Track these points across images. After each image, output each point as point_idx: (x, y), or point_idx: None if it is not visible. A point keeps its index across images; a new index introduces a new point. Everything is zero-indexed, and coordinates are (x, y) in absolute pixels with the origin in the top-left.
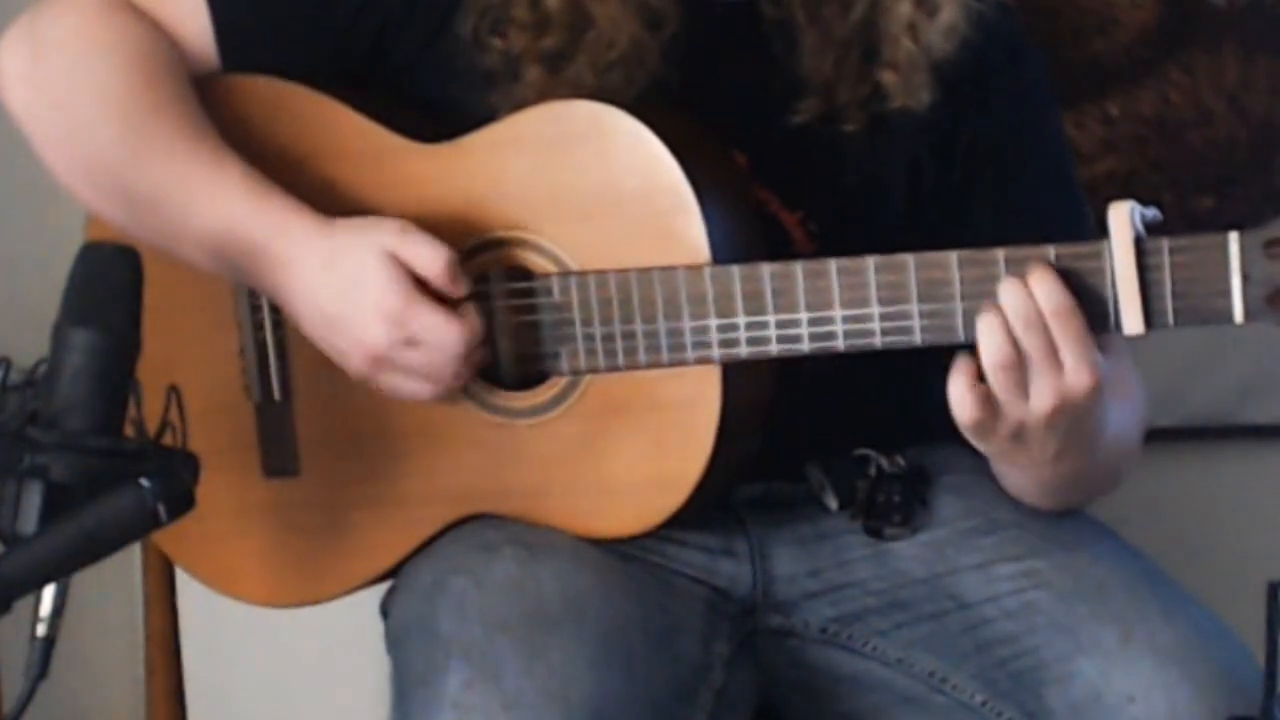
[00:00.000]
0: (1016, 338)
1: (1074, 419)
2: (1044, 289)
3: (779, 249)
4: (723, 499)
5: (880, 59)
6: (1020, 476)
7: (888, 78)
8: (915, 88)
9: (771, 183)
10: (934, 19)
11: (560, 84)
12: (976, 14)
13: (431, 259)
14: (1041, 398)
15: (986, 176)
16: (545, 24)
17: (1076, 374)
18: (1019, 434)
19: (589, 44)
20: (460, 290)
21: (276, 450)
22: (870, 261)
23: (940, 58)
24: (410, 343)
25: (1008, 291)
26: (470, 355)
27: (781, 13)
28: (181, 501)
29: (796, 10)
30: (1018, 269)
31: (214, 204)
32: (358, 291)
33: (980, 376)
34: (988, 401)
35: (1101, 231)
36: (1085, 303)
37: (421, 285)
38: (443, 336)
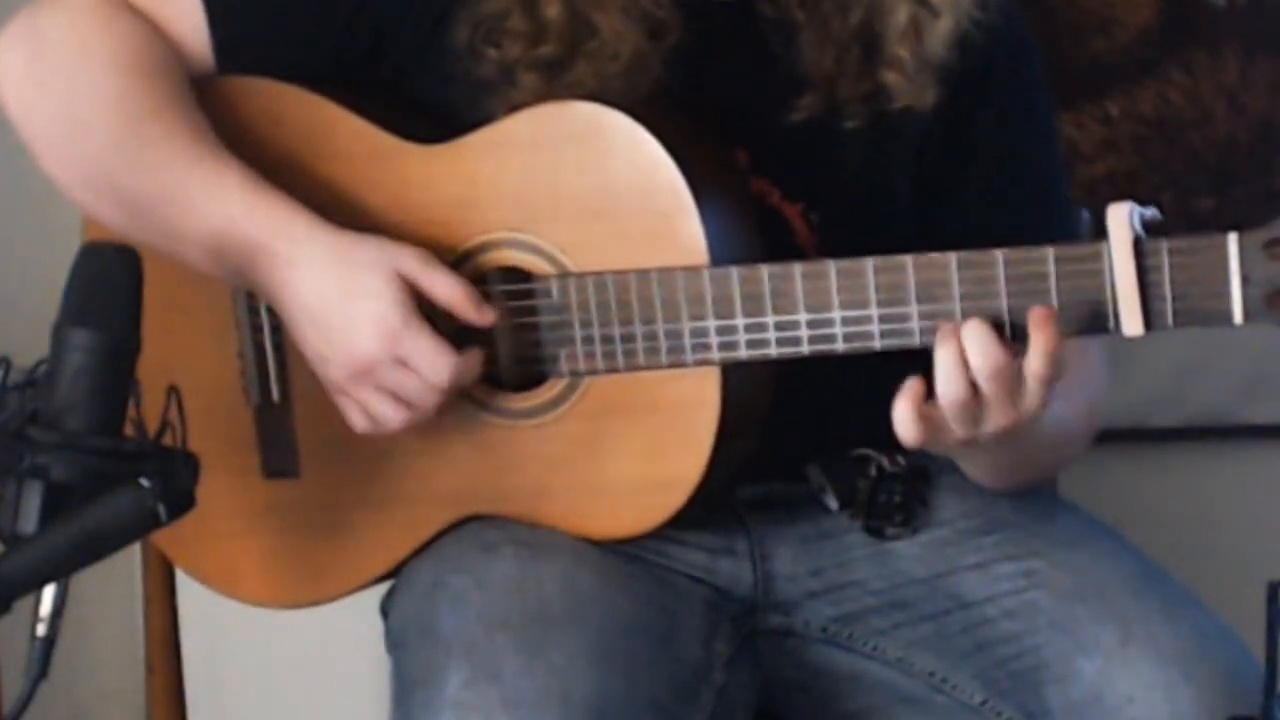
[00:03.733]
0: (977, 384)
1: (1013, 435)
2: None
3: (781, 241)
4: (723, 499)
5: (882, 58)
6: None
7: (890, 78)
8: (919, 89)
9: (772, 176)
10: (935, 22)
11: (557, 90)
12: (980, 15)
13: (451, 287)
14: (993, 425)
15: (979, 168)
16: (542, 33)
17: (1031, 406)
18: (966, 443)
19: (591, 54)
20: (488, 318)
21: (276, 451)
22: (869, 263)
23: (942, 60)
24: (399, 363)
25: (977, 341)
26: (455, 391)
27: (779, 11)
28: (181, 501)
29: (794, 9)
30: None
31: (213, 205)
32: (357, 300)
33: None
34: (930, 423)
35: (1099, 232)
36: (1084, 304)
37: (423, 307)
38: (433, 365)
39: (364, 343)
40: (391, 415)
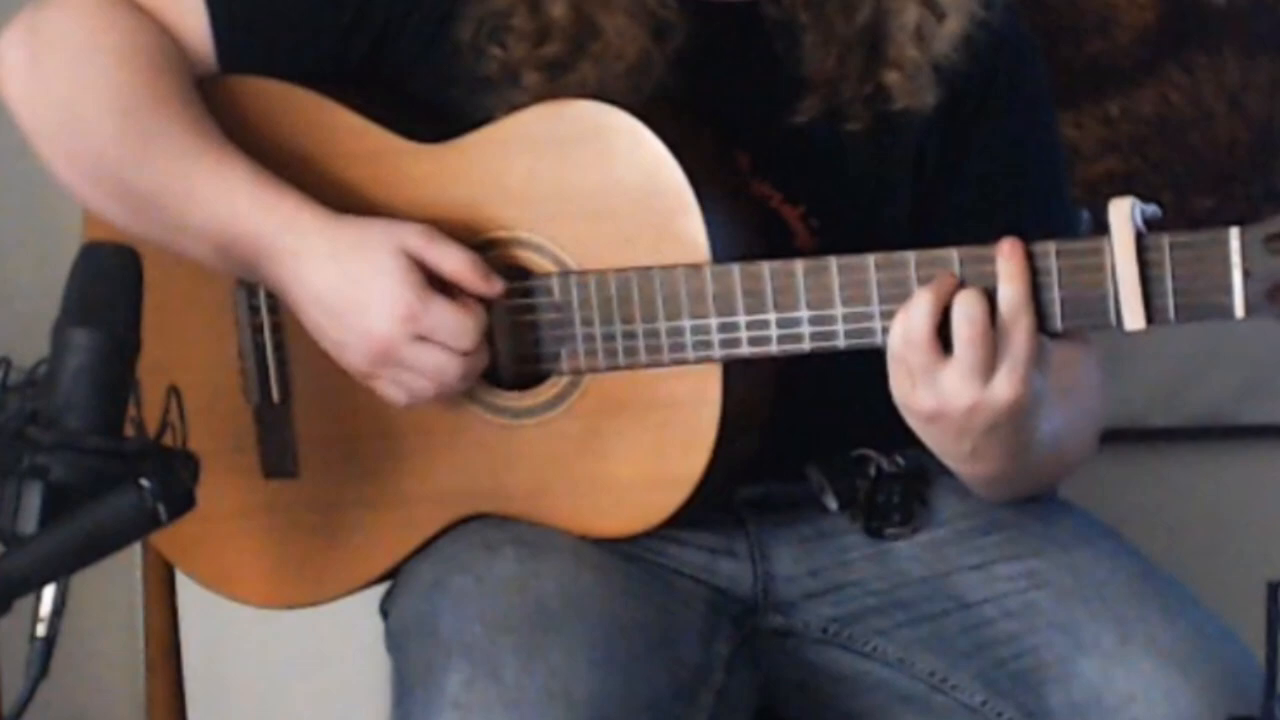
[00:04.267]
0: (959, 338)
1: (990, 426)
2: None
3: (781, 244)
4: (723, 499)
5: (885, 60)
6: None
7: (892, 78)
8: (920, 89)
9: (774, 179)
10: (941, 24)
11: (560, 90)
12: (983, 17)
13: (459, 259)
14: (958, 394)
15: (979, 170)
16: (546, 33)
17: (1002, 387)
18: (934, 418)
19: (595, 55)
20: (496, 287)
21: (276, 451)
22: (871, 259)
23: (945, 62)
24: (420, 338)
25: (967, 298)
26: (480, 351)
27: (784, 13)
28: (181, 501)
29: (799, 10)
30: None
31: (218, 198)
32: (369, 284)
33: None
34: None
35: (1101, 230)
36: (1086, 299)
37: (432, 280)
38: (458, 329)
39: (380, 323)
40: (421, 388)
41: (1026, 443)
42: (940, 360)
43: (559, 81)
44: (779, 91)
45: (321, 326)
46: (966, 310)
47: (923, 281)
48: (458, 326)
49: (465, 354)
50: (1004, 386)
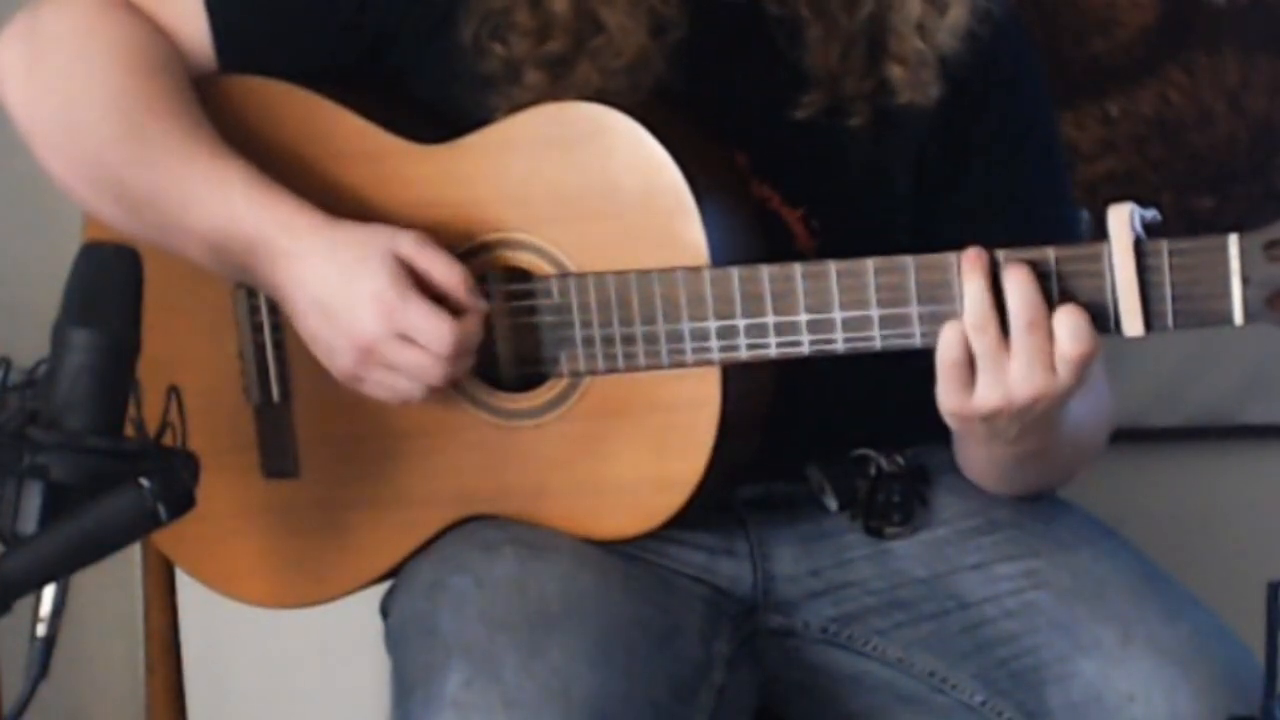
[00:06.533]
0: (1011, 334)
1: (1047, 412)
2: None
3: (781, 246)
4: (723, 499)
5: (888, 54)
6: (979, 453)
7: (895, 72)
8: (923, 84)
9: (773, 180)
10: (943, 16)
11: (562, 88)
12: (984, 11)
13: (448, 271)
14: (1020, 384)
15: (980, 170)
16: (548, 30)
17: (1066, 375)
18: (995, 414)
19: (595, 50)
20: (479, 305)
21: (276, 451)
22: (870, 263)
23: (948, 54)
24: (401, 338)
25: (1019, 284)
26: (461, 358)
27: (786, 10)
28: (181, 501)
29: (801, 6)
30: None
31: (214, 200)
32: (354, 282)
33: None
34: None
35: (1100, 233)
36: (1084, 305)
37: (421, 287)
38: (434, 333)
39: (364, 322)
40: (405, 389)
41: (1064, 417)
42: (1006, 347)
43: (560, 80)
44: (781, 88)
45: (314, 329)
46: (1020, 288)
47: (922, 285)
48: (434, 330)
49: (443, 358)
50: (1067, 374)
